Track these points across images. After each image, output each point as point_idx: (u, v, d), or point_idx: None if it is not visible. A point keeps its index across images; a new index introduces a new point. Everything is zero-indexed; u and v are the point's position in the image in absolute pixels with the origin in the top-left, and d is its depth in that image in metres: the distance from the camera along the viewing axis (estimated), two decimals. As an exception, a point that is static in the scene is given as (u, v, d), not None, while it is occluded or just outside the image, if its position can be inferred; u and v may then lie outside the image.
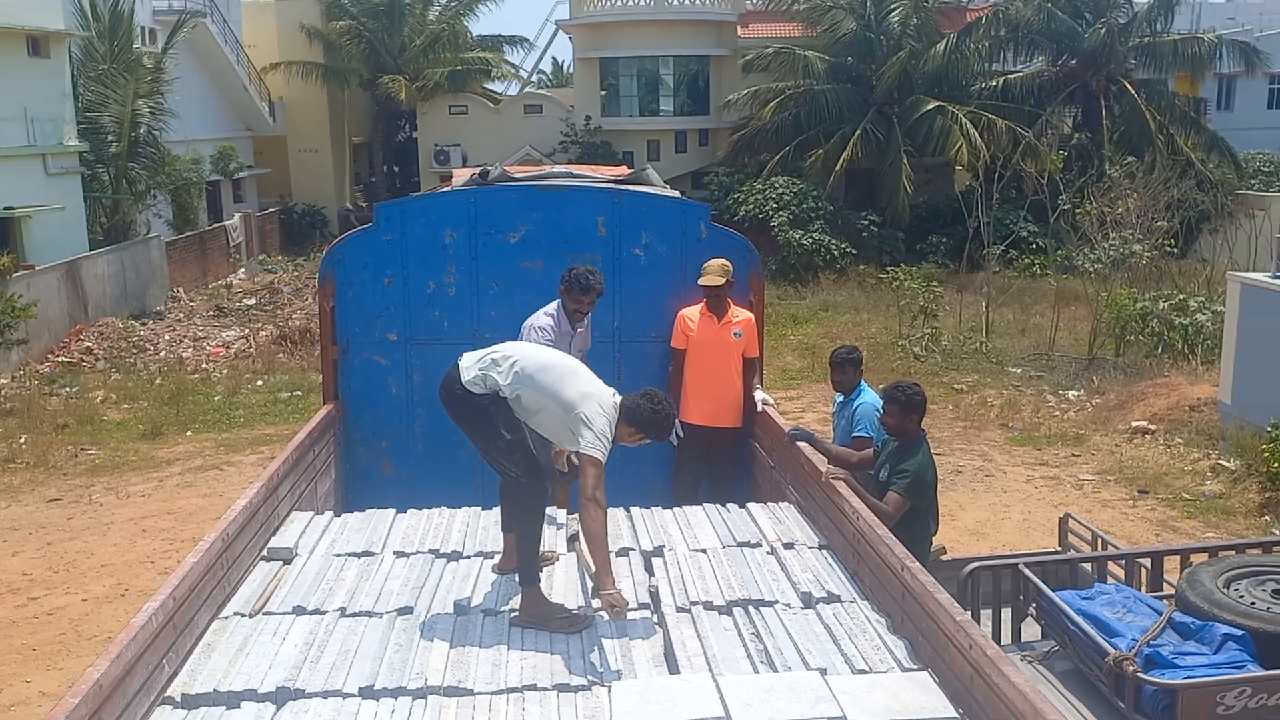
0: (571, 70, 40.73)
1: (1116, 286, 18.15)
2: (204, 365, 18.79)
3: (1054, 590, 5.08)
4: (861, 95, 29.38)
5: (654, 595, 4.83)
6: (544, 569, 4.85)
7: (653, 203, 7.56)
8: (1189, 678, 4.26)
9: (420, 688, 3.98)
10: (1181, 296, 17.80)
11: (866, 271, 25.65)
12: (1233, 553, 5.47)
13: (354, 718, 3.79)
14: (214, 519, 8.85)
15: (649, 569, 5.17)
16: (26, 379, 17.35)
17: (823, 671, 4.01)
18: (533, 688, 4.01)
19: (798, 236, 26.46)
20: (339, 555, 5.32)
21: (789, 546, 5.40)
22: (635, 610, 4.61)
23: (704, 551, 5.33)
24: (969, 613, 4.35)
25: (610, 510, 4.76)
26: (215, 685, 3.96)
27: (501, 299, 7.23)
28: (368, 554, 5.34)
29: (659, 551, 5.34)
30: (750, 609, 4.65)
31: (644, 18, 32.54)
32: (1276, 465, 10.88)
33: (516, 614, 4.56)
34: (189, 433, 14.72)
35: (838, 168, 27.90)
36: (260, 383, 17.39)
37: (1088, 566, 5.90)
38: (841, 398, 7.01)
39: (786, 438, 6.31)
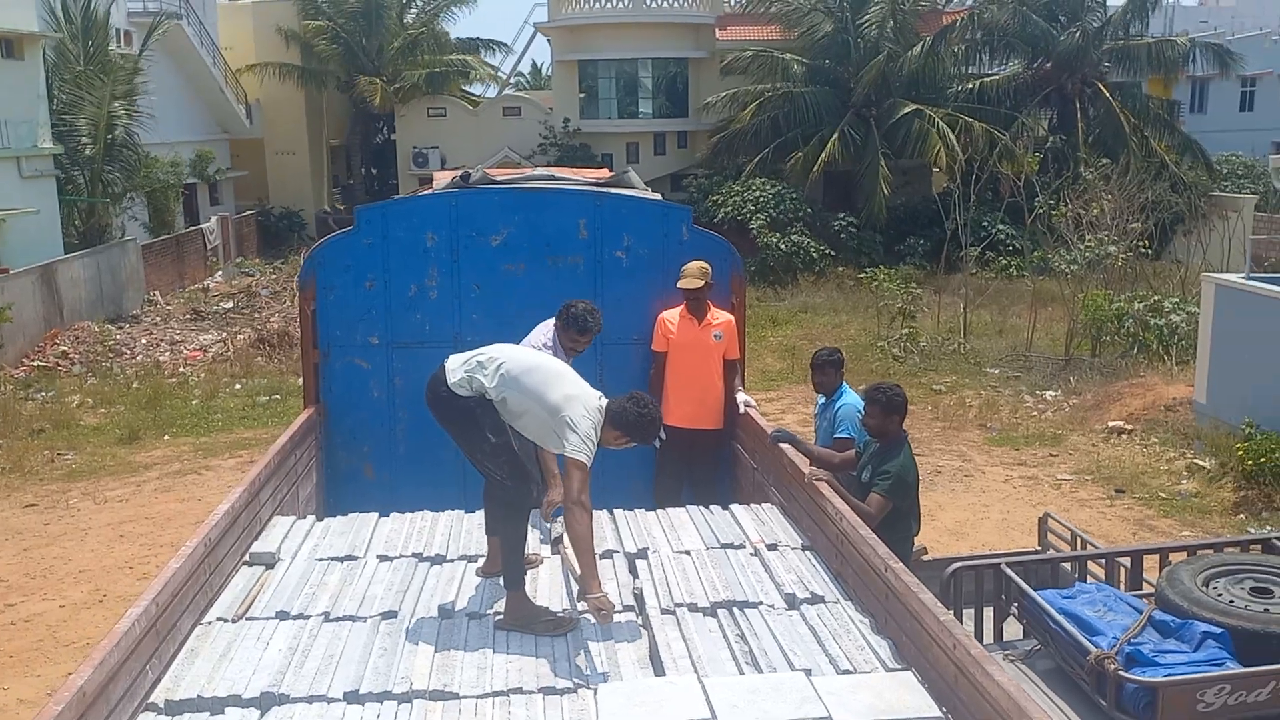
0: (550, 72, 40.71)
1: (1092, 288, 18.30)
2: (181, 369, 18.66)
3: (1035, 589, 5.11)
4: (839, 98, 29.50)
5: (639, 597, 4.84)
6: (528, 572, 4.85)
7: (634, 205, 7.56)
8: (1169, 675, 4.30)
9: (405, 692, 3.97)
10: (1156, 297, 17.98)
11: (845, 273, 25.77)
12: (1211, 551, 5.52)
13: (339, 723, 3.78)
14: (193, 524, 8.83)
15: (633, 571, 5.17)
16: (1, 384, 17.17)
17: (808, 672, 4.02)
18: (518, 691, 4.00)
19: (776, 239, 26.54)
20: (322, 560, 5.30)
21: (772, 548, 5.41)
22: (620, 612, 4.60)
23: (688, 553, 5.33)
24: (952, 612, 4.37)
25: (594, 513, 4.76)
26: (199, 691, 3.93)
27: (483, 302, 7.22)
28: (351, 558, 5.32)
29: (643, 554, 5.35)
30: (735, 610, 4.66)
31: (622, 20, 32.55)
32: (1251, 464, 11.00)
33: (501, 617, 4.55)
34: (166, 437, 14.62)
35: (816, 170, 28.03)
36: (238, 386, 17.29)
37: (1068, 566, 5.95)
38: (823, 399, 7.03)
39: (769, 439, 6.32)
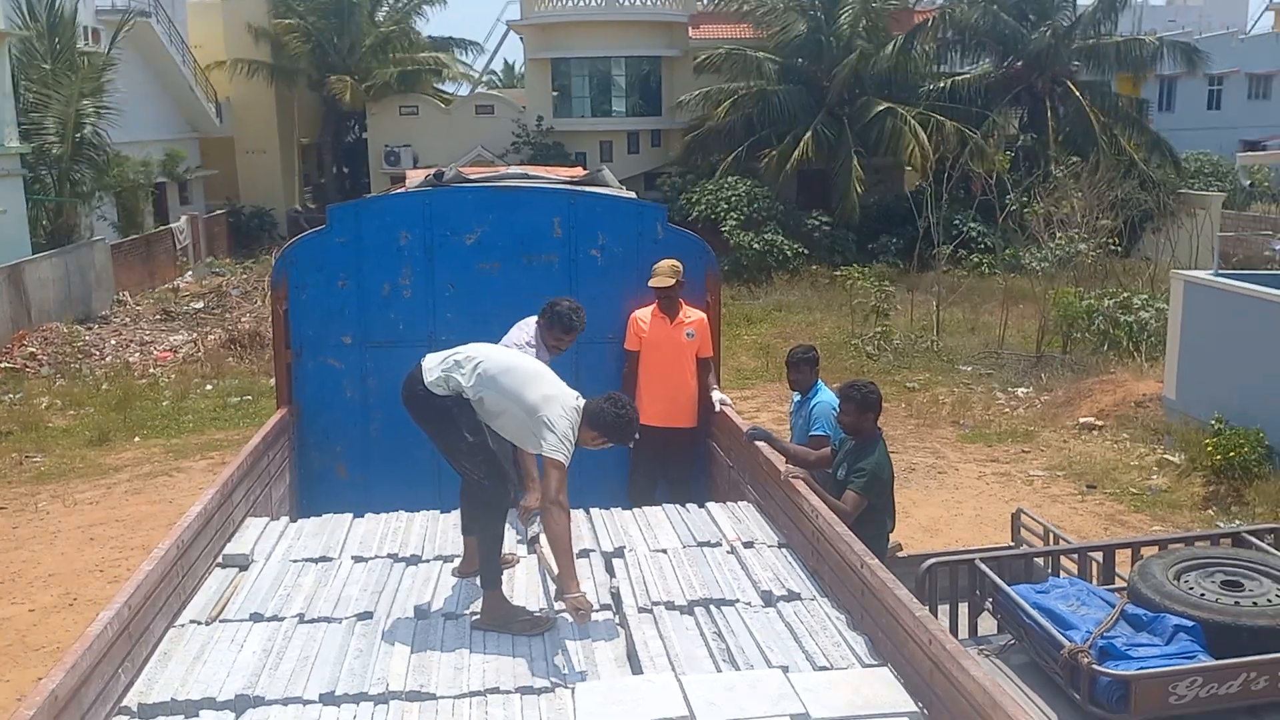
0: (523, 71, 40.60)
1: (1063, 285, 18.45)
2: (151, 370, 18.47)
3: (1009, 585, 5.15)
4: (813, 96, 29.57)
5: (615, 596, 4.84)
6: (505, 572, 4.83)
7: (609, 204, 7.56)
8: (1142, 668, 4.33)
9: (382, 693, 3.96)
10: (1126, 294, 18.14)
11: (819, 271, 25.83)
12: (1182, 546, 5.58)
13: (315, 725, 3.76)
14: (164, 526, 8.74)
15: (610, 570, 5.17)
16: (-32, 386, 16.98)
17: (784, 669, 4.04)
18: (496, 691, 4.00)
19: (749, 239, 26.59)
20: (296, 561, 5.26)
21: (749, 545, 5.42)
22: (597, 611, 4.60)
23: (664, 552, 5.34)
24: (927, 608, 4.39)
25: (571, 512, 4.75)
26: (173, 694, 3.90)
27: (458, 300, 7.20)
28: (325, 559, 5.29)
29: (619, 552, 5.34)
30: (712, 608, 4.66)
31: (595, 18, 32.54)
32: (1220, 459, 11.12)
33: (478, 617, 4.54)
34: (137, 439, 14.47)
35: (789, 168, 28.10)
36: (209, 387, 17.13)
37: (1041, 561, 5.99)
38: (799, 397, 7.05)
39: (745, 437, 6.33)
